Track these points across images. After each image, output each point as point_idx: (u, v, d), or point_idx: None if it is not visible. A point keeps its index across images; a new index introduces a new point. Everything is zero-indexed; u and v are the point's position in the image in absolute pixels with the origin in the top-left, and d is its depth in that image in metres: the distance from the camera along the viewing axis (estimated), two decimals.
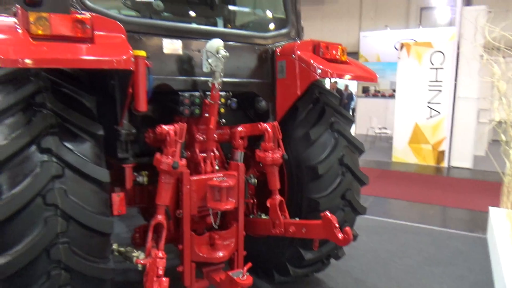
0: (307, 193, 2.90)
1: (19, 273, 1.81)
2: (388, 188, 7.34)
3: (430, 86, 9.49)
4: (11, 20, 2.02)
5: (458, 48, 8.92)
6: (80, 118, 2.06)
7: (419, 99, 9.59)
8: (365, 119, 13.72)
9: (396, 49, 12.24)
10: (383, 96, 15.74)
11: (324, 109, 2.99)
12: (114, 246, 2.48)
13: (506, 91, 4.11)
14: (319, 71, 2.70)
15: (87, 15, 2.02)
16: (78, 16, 1.96)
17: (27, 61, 1.71)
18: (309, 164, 2.86)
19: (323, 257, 3.12)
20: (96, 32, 2.02)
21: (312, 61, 2.76)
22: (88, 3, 2.29)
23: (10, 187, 1.79)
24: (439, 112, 9.38)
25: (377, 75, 3.16)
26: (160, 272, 2.15)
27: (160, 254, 2.22)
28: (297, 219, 2.78)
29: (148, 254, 2.34)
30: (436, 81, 9.39)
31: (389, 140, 10.18)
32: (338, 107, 3.12)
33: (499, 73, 4.15)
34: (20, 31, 1.90)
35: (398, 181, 7.97)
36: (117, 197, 2.41)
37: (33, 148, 1.89)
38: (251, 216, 3.09)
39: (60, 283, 1.90)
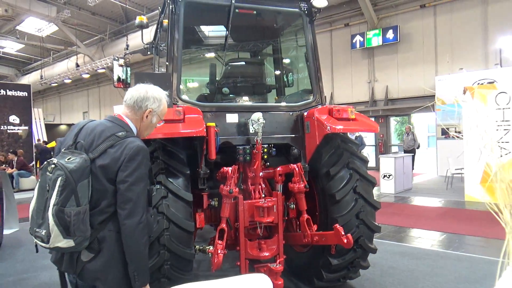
0: (330, 214, 4.02)
1: None
2: (456, 224, 7.75)
3: (498, 126, 9.71)
4: None
5: None
6: (176, 164, 3.56)
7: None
8: (445, 161, 13.80)
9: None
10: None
11: (342, 153, 4.15)
12: (197, 246, 3.86)
13: None
14: (328, 127, 3.91)
15: (181, 106, 3.60)
16: (177, 108, 3.54)
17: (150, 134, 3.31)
18: (330, 193, 4.00)
19: (347, 263, 4.12)
20: (186, 116, 3.57)
21: (325, 121, 3.99)
22: (183, 97, 3.92)
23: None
24: (510, 151, 9.48)
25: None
26: (219, 252, 3.46)
27: (219, 242, 3.54)
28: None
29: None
30: (503, 120, 9.60)
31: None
32: (355, 151, 4.24)
33: None
34: None
35: (467, 219, 8.25)
36: (198, 216, 3.84)
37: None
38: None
39: (165, 258, 3.29)
